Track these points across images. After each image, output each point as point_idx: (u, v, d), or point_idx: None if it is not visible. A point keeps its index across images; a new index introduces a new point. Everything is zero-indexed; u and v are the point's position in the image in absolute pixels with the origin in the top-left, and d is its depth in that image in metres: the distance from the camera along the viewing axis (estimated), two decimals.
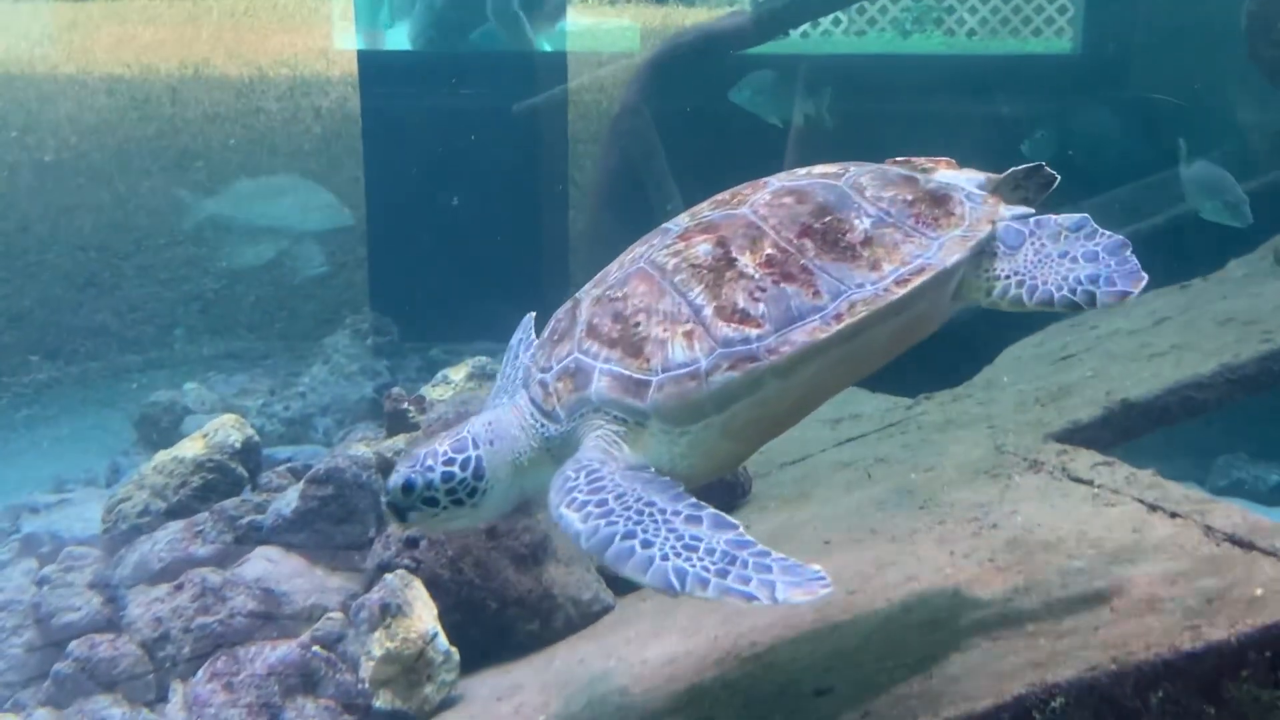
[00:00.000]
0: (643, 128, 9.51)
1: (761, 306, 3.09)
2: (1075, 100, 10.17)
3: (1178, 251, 7.94)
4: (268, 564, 5.07)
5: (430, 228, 10.07)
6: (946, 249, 3.20)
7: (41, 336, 10.71)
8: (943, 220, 3.27)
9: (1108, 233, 3.26)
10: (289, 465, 6.02)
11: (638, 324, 3.15)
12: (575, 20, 11.33)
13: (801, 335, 3.05)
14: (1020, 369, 6.52)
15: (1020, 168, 3.60)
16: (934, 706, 3.00)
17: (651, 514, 2.91)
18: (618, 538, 2.85)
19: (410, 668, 4.47)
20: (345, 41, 11.65)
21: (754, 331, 3.07)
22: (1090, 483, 4.38)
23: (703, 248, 3.21)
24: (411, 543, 4.81)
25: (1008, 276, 3.26)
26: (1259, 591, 3.14)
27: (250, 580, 4.95)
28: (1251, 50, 7.83)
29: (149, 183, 11.12)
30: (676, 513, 2.92)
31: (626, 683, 4.10)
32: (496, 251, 9.58)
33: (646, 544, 2.80)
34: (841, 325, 3.05)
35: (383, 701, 4.45)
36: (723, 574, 2.71)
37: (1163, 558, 3.60)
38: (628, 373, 3.12)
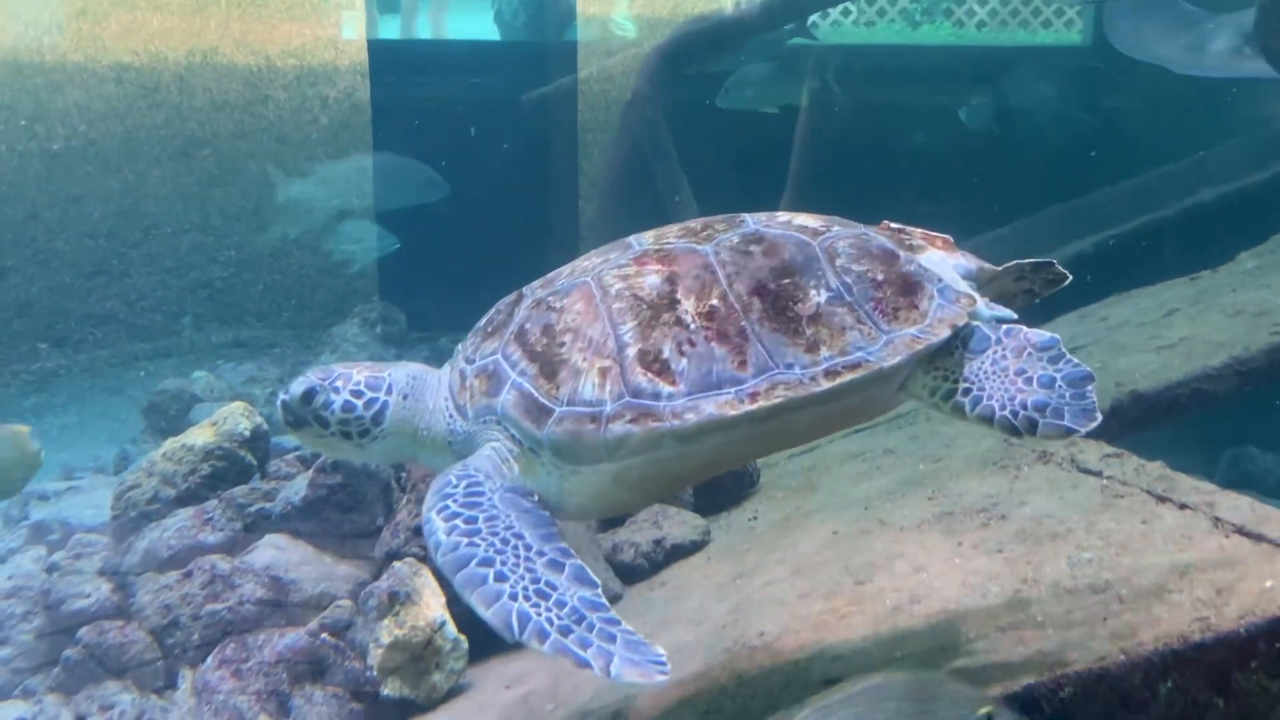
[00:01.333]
0: (652, 117, 9.49)
1: (684, 363, 2.99)
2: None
3: (1188, 245, 7.94)
4: (276, 552, 5.08)
5: (439, 217, 10.07)
6: (892, 348, 3.04)
7: (50, 324, 10.72)
8: (903, 313, 3.10)
9: (1073, 361, 3.05)
10: (297, 454, 6.03)
11: (563, 344, 3.08)
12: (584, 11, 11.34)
13: (711, 406, 2.95)
14: None
15: (1027, 261, 3.47)
16: None
17: (516, 548, 2.84)
18: (474, 562, 2.79)
19: (418, 655, 4.47)
20: (352, 31, 11.66)
21: (667, 388, 2.97)
22: (1099, 474, 4.37)
23: (651, 279, 3.11)
24: (420, 531, 4.82)
25: (956, 380, 3.09)
26: (1268, 583, 3.14)
27: (259, 568, 4.96)
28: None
29: (158, 171, 11.12)
30: (541, 554, 2.84)
31: None
32: (505, 241, 9.56)
33: (500, 577, 2.75)
34: (754, 406, 2.95)
35: (391, 689, 4.46)
36: (564, 631, 2.66)
37: (1171, 549, 3.59)
38: (536, 394, 3.06)
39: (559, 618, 2.69)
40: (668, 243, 3.24)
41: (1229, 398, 5.35)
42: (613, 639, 2.68)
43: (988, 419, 3.00)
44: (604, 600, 2.79)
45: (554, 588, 2.76)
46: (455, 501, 2.97)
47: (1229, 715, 2.84)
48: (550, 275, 3.35)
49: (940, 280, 3.20)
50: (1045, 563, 3.74)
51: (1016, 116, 9.88)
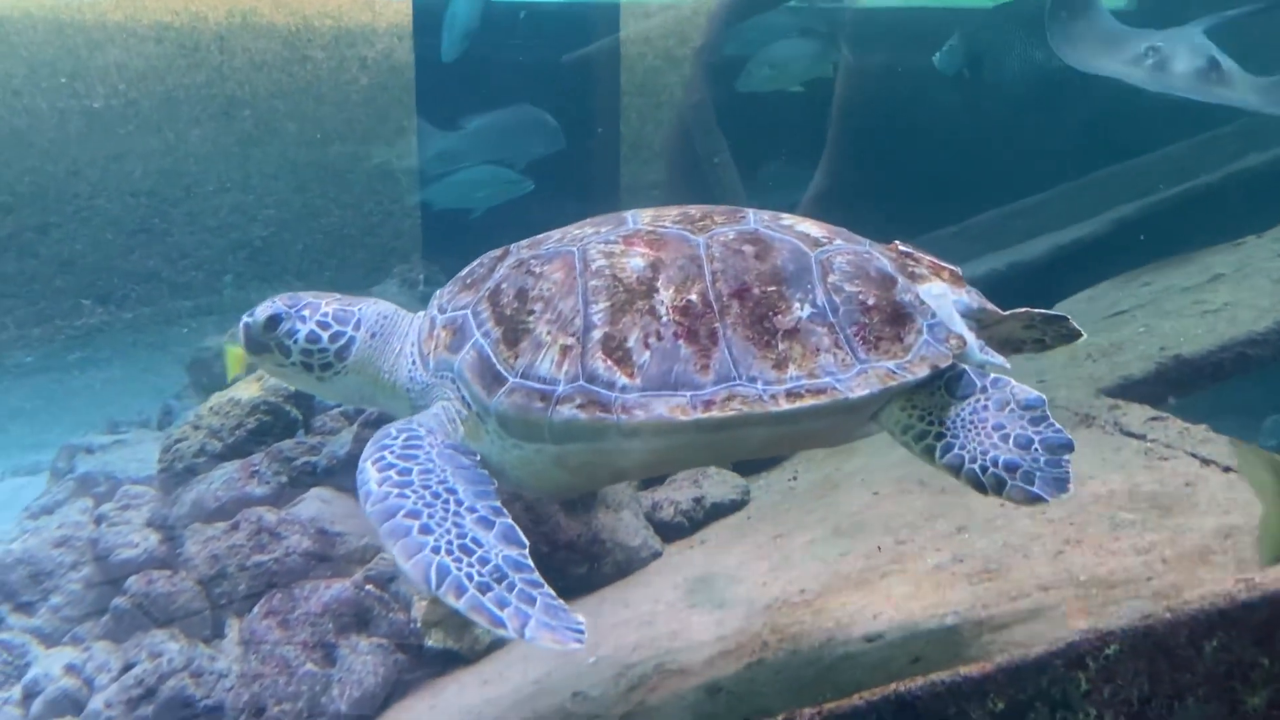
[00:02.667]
0: (695, 78, 9.45)
1: (646, 356, 2.90)
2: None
3: (1234, 210, 7.86)
4: (322, 504, 5.14)
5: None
6: (863, 379, 2.92)
7: (93, 281, 10.80)
8: (884, 344, 2.97)
9: (1055, 426, 2.91)
10: (341, 409, 6.09)
11: (532, 311, 3.01)
12: None
13: (662, 407, 2.87)
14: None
15: (1039, 311, 3.35)
16: (986, 653, 3.02)
17: (446, 502, 2.79)
18: (401, 513, 2.74)
19: None
20: None
21: (622, 379, 2.89)
22: (1143, 437, 4.37)
23: (635, 262, 3.03)
24: None
25: (931, 423, 2.97)
26: None
27: (305, 520, 5.02)
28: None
29: (198, 130, 11.17)
30: (472, 510, 2.80)
31: (676, 627, 4.14)
32: (547, 201, 9.56)
33: (425, 530, 2.70)
34: (704, 415, 2.86)
35: (434, 641, 4.53)
36: (483, 588, 2.61)
37: (1215, 511, 3.60)
38: (494, 360, 3.00)
39: (480, 574, 2.63)
40: (662, 226, 3.15)
41: (1274, 362, 5.32)
42: (532, 601, 2.63)
43: (955, 469, 2.89)
44: (529, 561, 2.73)
45: (479, 544, 2.70)
46: (391, 453, 2.91)
47: (1273, 674, 2.83)
48: (541, 236, 3.27)
49: (933, 315, 3.07)
50: (1088, 524, 3.75)
51: (987, 59, 9.80)
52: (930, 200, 9.43)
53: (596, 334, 2.94)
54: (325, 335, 3.23)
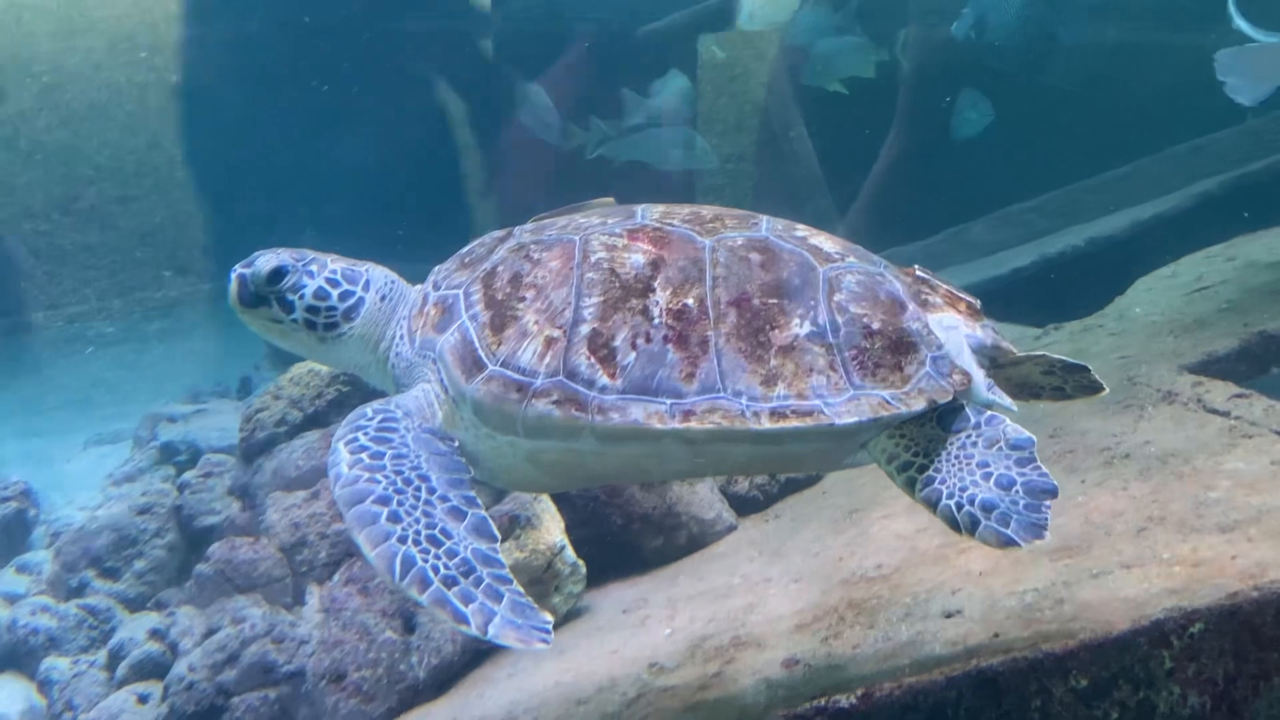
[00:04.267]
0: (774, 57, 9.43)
1: (631, 357, 2.79)
2: None
3: None
4: None
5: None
6: (854, 406, 2.79)
7: (173, 252, 10.97)
8: (883, 372, 2.84)
9: (1040, 470, 2.80)
10: None
11: (524, 298, 2.90)
12: None
13: (639, 412, 2.75)
14: (1153, 300, 6.39)
15: (1060, 358, 3.19)
16: (1068, 630, 3.00)
17: (418, 490, 2.69)
18: (370, 499, 2.63)
19: (538, 578, 4.57)
20: None
21: (603, 379, 2.78)
22: (1226, 414, 4.29)
23: (636, 258, 2.91)
24: None
25: (916, 454, 2.84)
26: None
27: None
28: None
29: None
30: (445, 499, 2.70)
31: (751, 600, 4.15)
32: (629, 176, 9.55)
33: (393, 518, 2.61)
34: (682, 425, 2.74)
35: None
36: (449, 582, 2.51)
37: None
38: (476, 344, 2.89)
39: (446, 567, 2.53)
40: (670, 224, 3.03)
41: None
42: (499, 597, 2.53)
43: (931, 504, 2.77)
44: (499, 556, 2.63)
45: (449, 536, 2.60)
46: (365, 434, 2.79)
47: None
48: (547, 221, 3.18)
49: (940, 348, 2.93)
50: (1171, 501, 3.69)
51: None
52: (1003, 173, 9.33)
53: (584, 329, 2.83)
54: (335, 293, 3.11)
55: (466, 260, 3.11)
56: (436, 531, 2.61)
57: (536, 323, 2.86)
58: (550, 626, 2.54)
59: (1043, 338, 6.31)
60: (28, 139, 10.82)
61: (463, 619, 2.47)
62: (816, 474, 5.03)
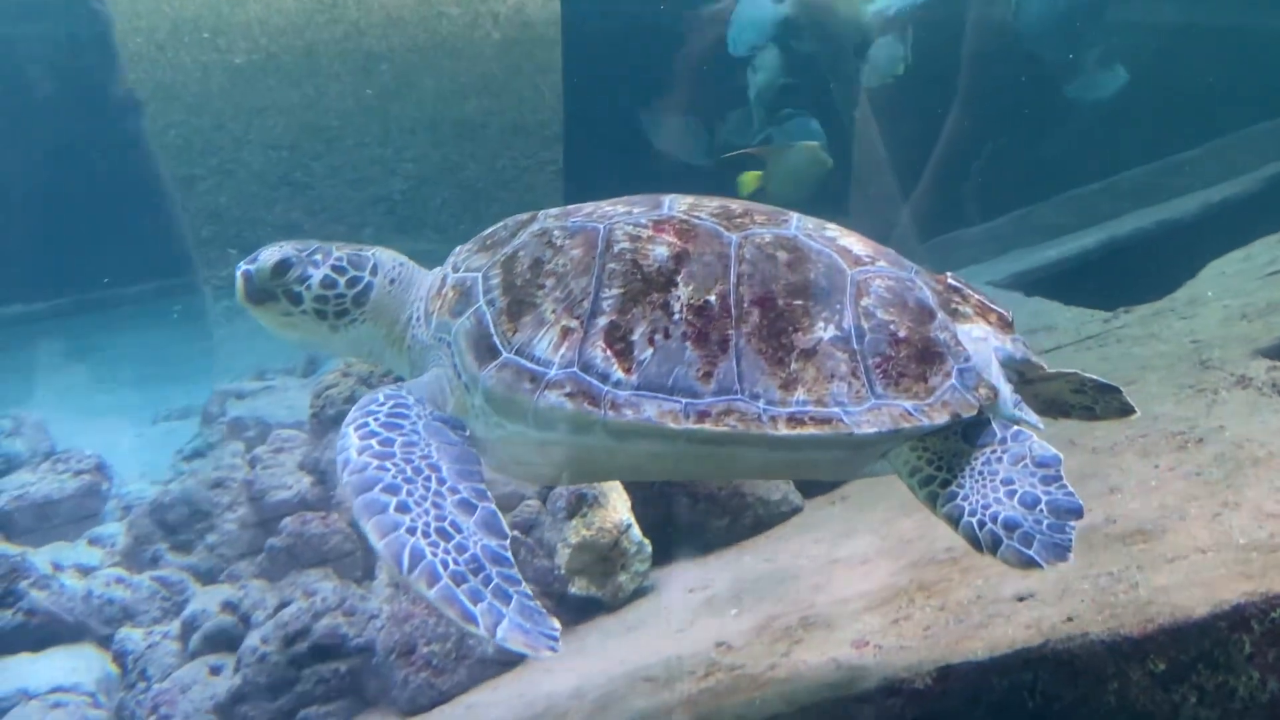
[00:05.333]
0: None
1: (649, 352, 2.72)
2: None
3: None
4: None
5: (624, 134, 10.04)
6: (874, 416, 2.71)
7: (238, 232, 11.09)
8: (906, 381, 2.75)
9: (1066, 489, 2.71)
10: None
11: (543, 285, 2.83)
12: None
13: (652, 410, 2.68)
14: (1225, 283, 6.31)
15: (1091, 377, 3.13)
16: (1143, 613, 2.98)
17: (428, 479, 2.64)
18: (378, 486, 2.59)
19: (605, 556, 4.60)
20: None
21: (618, 374, 2.71)
22: None
23: (660, 250, 2.84)
24: None
25: (939, 469, 2.76)
26: None
27: None
28: None
29: (337, 85, 11.35)
30: (455, 490, 2.64)
31: (819, 581, 4.16)
32: (688, 166, 9.57)
33: (402, 508, 2.56)
34: (695, 425, 2.66)
35: (578, 588, 4.60)
36: (458, 579, 2.45)
37: None
38: (491, 330, 2.82)
39: (455, 563, 2.48)
40: (697, 216, 2.95)
41: None
42: (508, 599, 2.47)
43: (953, 521, 2.70)
44: (509, 554, 2.58)
45: (458, 530, 2.55)
46: (376, 420, 2.75)
47: None
48: (573, 207, 3.09)
49: (967, 360, 2.83)
50: (1246, 487, 3.65)
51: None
52: (1072, 154, 9.23)
53: (602, 320, 2.76)
54: (342, 280, 3.07)
55: (488, 242, 3.05)
56: (446, 524, 2.56)
57: (554, 312, 2.79)
58: (558, 633, 2.47)
59: (1111, 321, 6.25)
60: None
61: (471, 619, 2.41)
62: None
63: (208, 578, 5.62)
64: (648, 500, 4.83)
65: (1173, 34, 9.40)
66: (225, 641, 5.00)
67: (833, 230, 3.03)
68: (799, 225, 2.98)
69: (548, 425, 2.76)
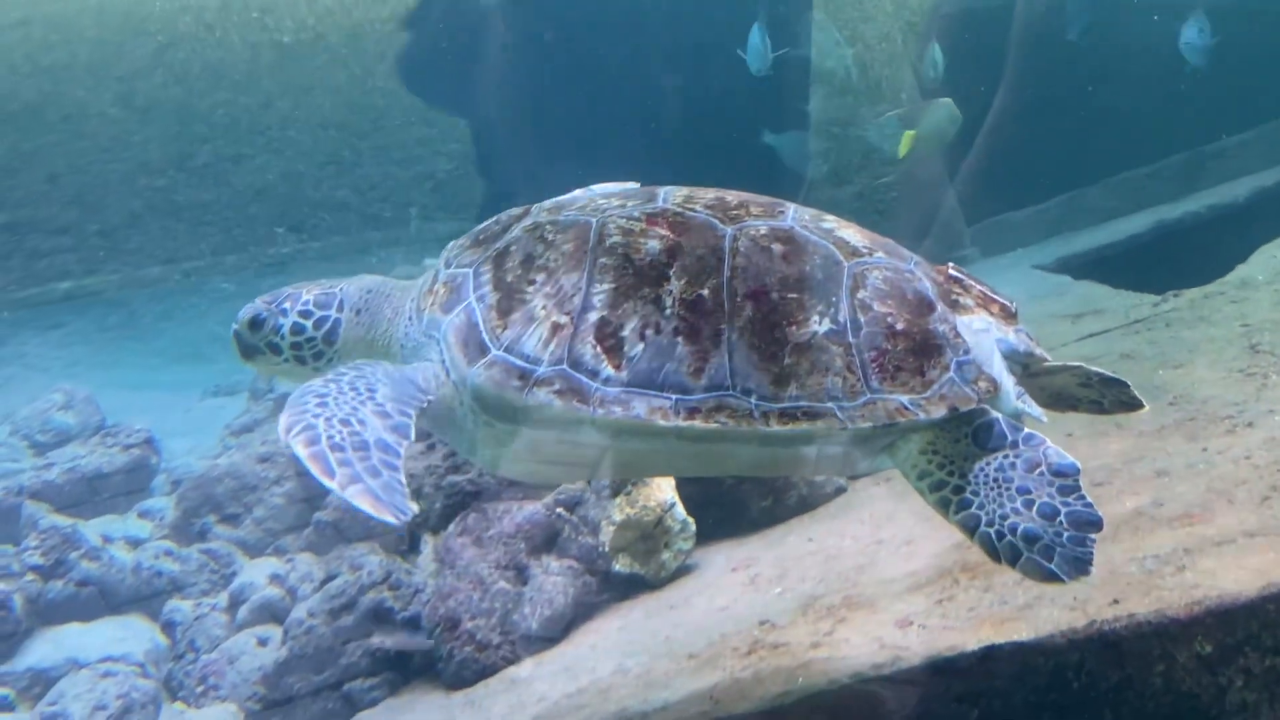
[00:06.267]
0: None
1: (639, 348, 2.67)
2: None
3: None
4: None
5: (670, 120, 10.01)
6: (868, 411, 2.65)
7: (285, 210, 11.16)
8: (902, 375, 2.69)
9: (1085, 499, 2.61)
10: None
11: (534, 281, 2.79)
12: None
13: (641, 407, 2.62)
14: (1277, 267, 6.24)
15: (1097, 370, 3.05)
16: (1190, 596, 2.97)
17: (359, 393, 2.66)
18: (311, 393, 2.63)
19: (648, 534, 4.62)
20: None
21: (608, 370, 2.66)
22: None
23: (653, 244, 2.77)
24: None
25: (950, 474, 2.68)
26: None
27: None
28: None
29: (384, 66, 11.38)
30: (378, 404, 2.64)
31: (862, 561, 4.16)
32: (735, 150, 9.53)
33: (322, 404, 2.60)
34: (685, 423, 2.61)
35: (621, 565, 4.62)
36: (336, 448, 2.47)
37: None
38: (481, 327, 2.78)
39: (341, 438, 2.49)
40: (691, 209, 2.88)
41: None
42: (376, 474, 2.45)
43: (969, 530, 2.63)
44: (401, 449, 2.54)
45: (362, 424, 2.55)
46: (345, 372, 2.78)
47: None
48: (567, 199, 3.08)
49: (966, 353, 2.76)
50: None
51: None
52: (1120, 136, 9.15)
53: (593, 316, 2.71)
54: (309, 324, 3.11)
55: (481, 238, 3.01)
56: (353, 419, 2.56)
57: (544, 308, 2.75)
58: (410, 513, 2.43)
59: (1161, 305, 6.20)
60: (144, 97, 11.04)
61: (329, 474, 2.41)
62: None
63: (255, 551, 5.69)
64: (692, 479, 4.84)
65: (1224, 16, 9.28)
66: (272, 614, 5.07)
67: (830, 221, 2.96)
68: (795, 217, 2.92)
69: (537, 423, 2.73)
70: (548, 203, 3.05)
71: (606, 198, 3.00)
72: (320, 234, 11.13)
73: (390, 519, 2.37)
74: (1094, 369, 3.00)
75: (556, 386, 2.66)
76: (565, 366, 2.67)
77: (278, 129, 11.30)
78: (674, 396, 2.62)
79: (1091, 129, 9.12)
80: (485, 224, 3.08)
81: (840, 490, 5.01)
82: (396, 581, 4.73)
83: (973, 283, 2.96)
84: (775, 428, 2.61)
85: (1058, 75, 9.28)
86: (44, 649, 5.19)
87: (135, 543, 5.99)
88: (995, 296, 2.97)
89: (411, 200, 11.31)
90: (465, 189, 11.40)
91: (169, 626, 5.28)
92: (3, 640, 5.15)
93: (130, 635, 5.30)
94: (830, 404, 2.63)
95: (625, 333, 2.68)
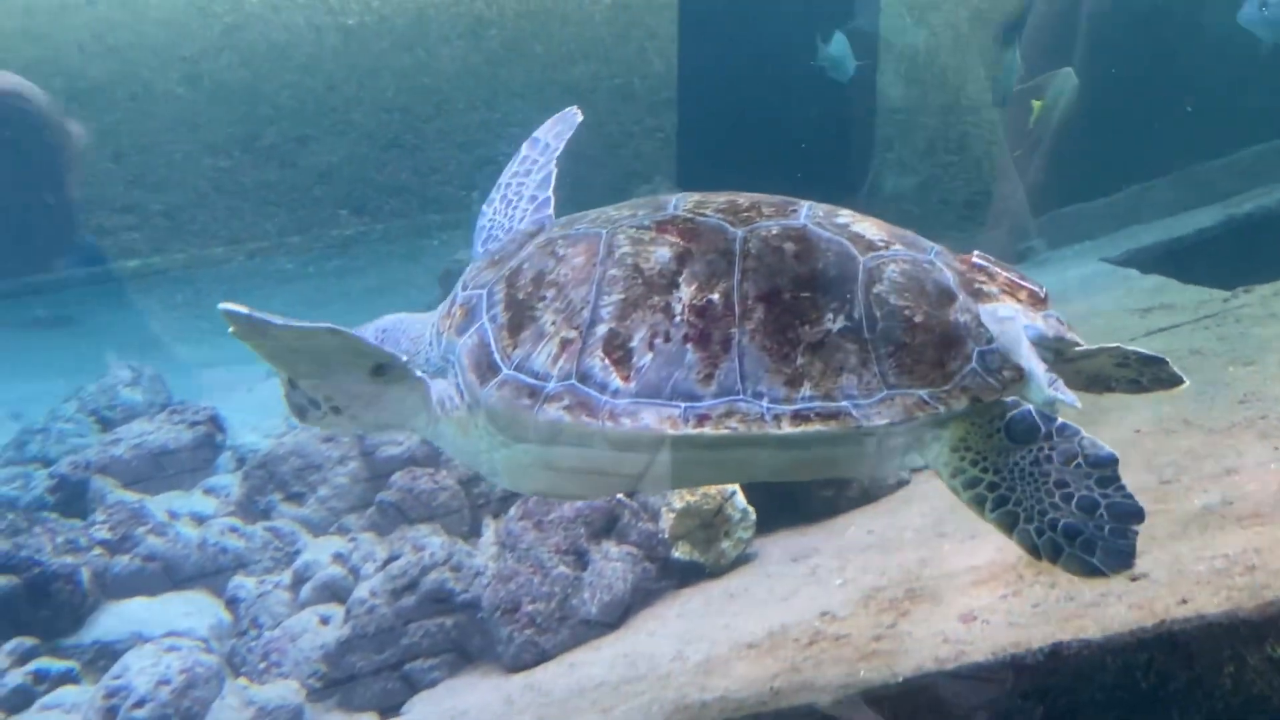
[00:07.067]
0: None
1: (648, 358, 2.63)
2: None
3: None
4: None
5: (743, 107, 9.96)
6: (886, 407, 2.58)
7: (349, 192, 11.23)
8: (922, 369, 2.62)
9: (1125, 490, 2.55)
10: None
11: (544, 297, 2.78)
12: None
13: (651, 417, 2.59)
14: None
15: (1134, 350, 2.93)
16: (1261, 596, 2.93)
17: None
18: None
19: (708, 523, 4.63)
20: None
21: (616, 382, 2.63)
22: None
23: (662, 252, 2.75)
24: None
25: (984, 470, 2.62)
26: None
27: None
28: None
29: (447, 49, 11.42)
30: None
31: (925, 554, 4.14)
32: (803, 138, 9.48)
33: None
34: (695, 430, 2.57)
35: (681, 552, 4.64)
36: None
37: None
38: (492, 347, 2.78)
39: None
40: (701, 214, 2.85)
41: None
42: None
43: (1007, 527, 2.59)
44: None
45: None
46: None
47: None
48: (580, 214, 3.02)
49: (989, 342, 2.69)
50: None
51: None
52: (1194, 128, 9.02)
53: (601, 329, 2.69)
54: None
55: (495, 258, 3.02)
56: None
57: (554, 323, 2.74)
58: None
59: (1231, 300, 6.11)
60: (210, 78, 11.14)
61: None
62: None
63: (318, 529, 5.74)
64: None
65: None
66: (335, 592, 5.11)
67: (845, 217, 2.91)
68: (809, 214, 2.87)
69: (549, 439, 2.72)
70: (562, 219, 3.06)
71: (618, 209, 2.98)
72: (383, 216, 11.19)
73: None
74: (1131, 348, 2.91)
75: (565, 402, 2.65)
76: (574, 381, 2.66)
77: (342, 111, 11.37)
78: (684, 404, 2.59)
79: (1162, 120, 9.00)
80: (500, 243, 3.11)
81: (903, 483, 5.00)
82: (458, 563, 4.77)
83: (998, 270, 2.88)
84: (788, 430, 2.56)
85: (1124, 66, 9.17)
86: (110, 623, 5.26)
87: (200, 519, 6.05)
88: (1023, 282, 2.87)
89: (474, 184, 11.34)
90: None
91: (233, 603, 5.33)
92: (70, 613, 5.23)
93: (195, 610, 5.36)
94: (845, 403, 2.58)
95: (634, 343, 2.66)
